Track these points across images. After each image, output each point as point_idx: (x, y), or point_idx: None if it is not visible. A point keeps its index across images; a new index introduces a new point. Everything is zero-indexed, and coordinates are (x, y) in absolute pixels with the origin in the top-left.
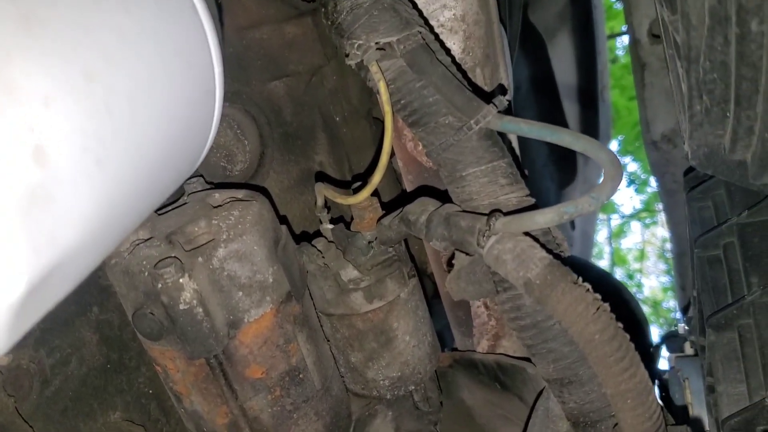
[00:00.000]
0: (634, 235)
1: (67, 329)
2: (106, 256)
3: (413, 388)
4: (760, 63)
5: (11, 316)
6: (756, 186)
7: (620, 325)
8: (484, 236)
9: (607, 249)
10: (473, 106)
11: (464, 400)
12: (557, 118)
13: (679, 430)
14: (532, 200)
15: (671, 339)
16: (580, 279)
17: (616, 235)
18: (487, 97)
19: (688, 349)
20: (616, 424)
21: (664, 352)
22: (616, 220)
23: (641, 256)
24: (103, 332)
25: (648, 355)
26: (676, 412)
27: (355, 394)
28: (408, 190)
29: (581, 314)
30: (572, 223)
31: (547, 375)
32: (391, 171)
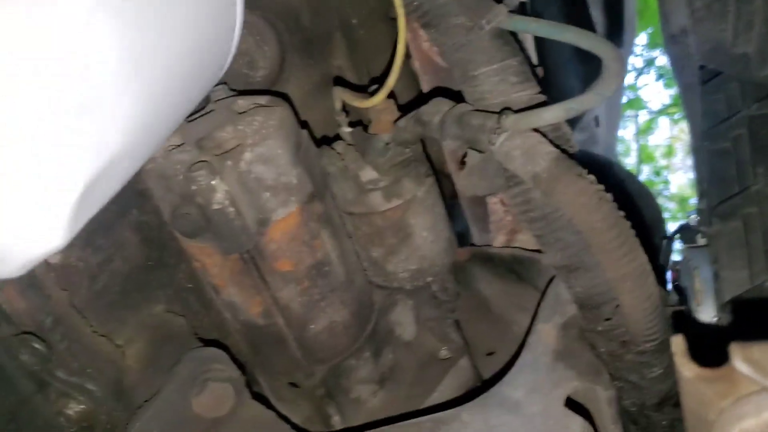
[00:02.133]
0: (661, 131)
1: (109, 231)
2: (148, 157)
3: (431, 279)
4: None
5: (72, 212)
6: (758, 78)
7: (621, 213)
8: (494, 133)
9: (634, 146)
10: (484, 6)
11: (482, 291)
12: (580, 11)
13: (678, 309)
14: (543, 97)
15: (684, 231)
16: (585, 171)
17: (644, 131)
18: None
19: (701, 241)
20: (618, 306)
21: (679, 244)
22: (643, 116)
23: (669, 152)
24: (143, 233)
25: (657, 248)
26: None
27: (377, 286)
28: (425, 90)
29: (584, 204)
30: (596, 120)
31: (556, 262)
32: (409, 72)
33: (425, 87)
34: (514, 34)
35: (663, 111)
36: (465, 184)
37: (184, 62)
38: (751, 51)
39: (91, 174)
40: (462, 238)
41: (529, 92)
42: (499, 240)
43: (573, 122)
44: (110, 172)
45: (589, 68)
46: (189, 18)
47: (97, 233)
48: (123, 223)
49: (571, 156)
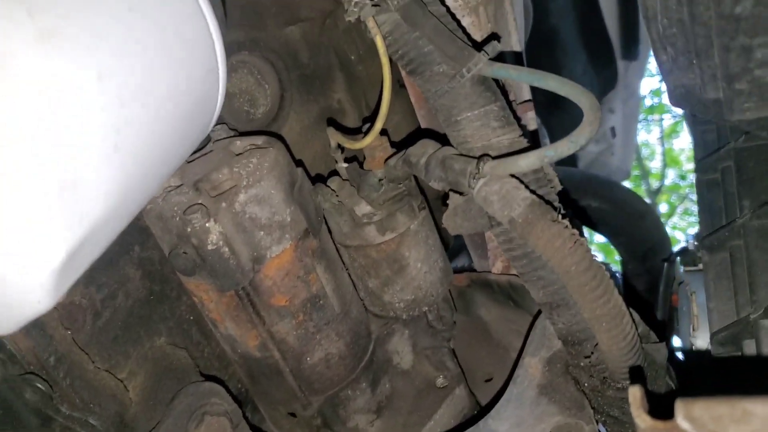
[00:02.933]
0: (686, 135)
1: (112, 267)
2: (129, 222)
3: (427, 308)
4: (711, 22)
5: (56, 278)
6: (731, 122)
7: (596, 256)
8: (474, 178)
9: (659, 149)
10: (464, 55)
11: (481, 316)
12: (594, 21)
13: (656, 347)
14: (524, 141)
15: (684, 254)
16: (560, 216)
17: (669, 135)
18: (480, 45)
19: (701, 264)
20: (596, 344)
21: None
22: (668, 120)
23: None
24: (145, 268)
25: (658, 271)
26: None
27: (374, 315)
28: (422, 125)
29: (559, 248)
30: (613, 131)
31: (539, 299)
32: (409, 106)
33: (422, 122)
34: (497, 80)
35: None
36: (449, 224)
37: (166, 131)
38: (721, 97)
39: (73, 243)
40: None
41: (510, 136)
42: (497, 266)
43: None
44: (92, 238)
45: (604, 80)
46: (169, 90)
47: (101, 271)
48: (125, 260)
49: (546, 200)
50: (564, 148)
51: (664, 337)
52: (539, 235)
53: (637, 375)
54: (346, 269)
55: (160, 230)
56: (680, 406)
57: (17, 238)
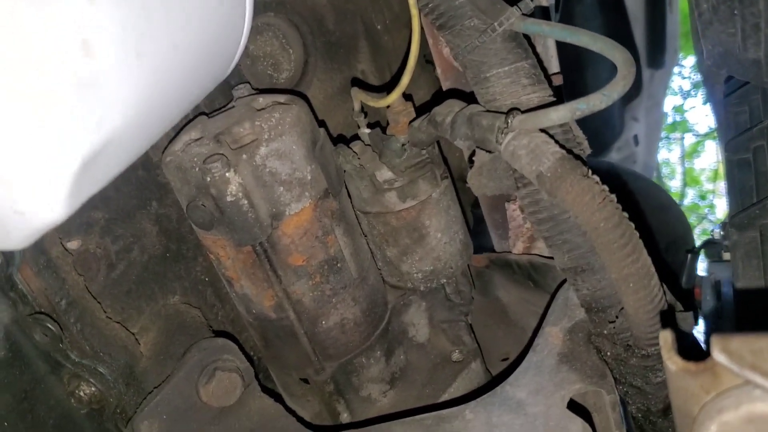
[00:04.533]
0: (708, 155)
1: (129, 220)
2: (150, 142)
3: (445, 281)
4: None
5: (70, 186)
6: None
7: (626, 214)
8: (502, 133)
9: (679, 168)
10: (497, 9)
11: (500, 297)
12: (622, 29)
13: (683, 316)
14: (553, 100)
15: (709, 246)
16: (590, 172)
17: (690, 154)
18: (512, 0)
19: (725, 256)
20: (622, 309)
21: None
22: (690, 139)
23: (715, 176)
24: (162, 225)
25: (683, 261)
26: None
27: (392, 286)
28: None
29: (588, 203)
30: (635, 139)
31: (563, 264)
32: (435, 82)
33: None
34: (528, 38)
35: (710, 134)
36: (474, 183)
37: (190, 49)
38: (761, 56)
39: (89, 150)
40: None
41: (540, 94)
42: (518, 247)
43: (610, 141)
44: (109, 150)
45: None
46: (195, 9)
47: (117, 222)
48: (143, 214)
49: (577, 157)
50: (596, 101)
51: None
52: (568, 190)
53: (668, 321)
54: (365, 236)
55: (180, 181)
56: (716, 341)
57: (32, 139)
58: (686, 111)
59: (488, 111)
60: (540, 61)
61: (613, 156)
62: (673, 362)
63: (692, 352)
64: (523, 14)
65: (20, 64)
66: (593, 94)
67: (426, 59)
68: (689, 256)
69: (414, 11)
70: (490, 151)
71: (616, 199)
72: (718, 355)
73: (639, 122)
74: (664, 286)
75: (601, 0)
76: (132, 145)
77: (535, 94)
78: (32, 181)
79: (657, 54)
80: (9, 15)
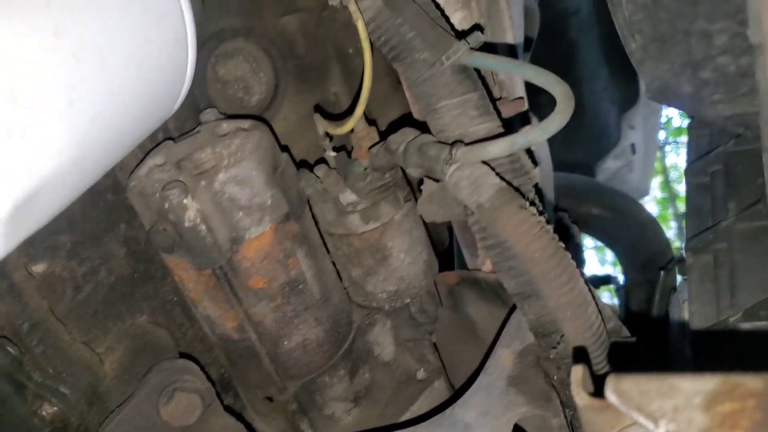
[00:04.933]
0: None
1: (97, 243)
2: (93, 180)
3: (409, 300)
4: (674, 5)
5: (2, 228)
6: (708, 117)
7: (561, 244)
8: (447, 164)
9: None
10: (445, 43)
11: (470, 314)
12: (617, 37)
13: (626, 342)
14: (501, 131)
15: (681, 263)
16: (527, 203)
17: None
18: (464, 35)
19: None
20: (563, 335)
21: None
22: None
23: None
24: (131, 246)
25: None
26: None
27: (357, 305)
28: (415, 116)
29: (524, 234)
30: (633, 148)
31: (511, 289)
32: (405, 101)
33: (416, 114)
34: (478, 71)
35: None
36: (424, 211)
37: (126, 95)
38: (694, 90)
39: (20, 196)
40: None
41: (487, 125)
42: (487, 265)
43: (607, 149)
44: (45, 192)
45: (625, 96)
46: (130, 55)
47: (85, 245)
48: (110, 237)
49: (517, 189)
50: (534, 134)
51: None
52: (505, 221)
53: (581, 356)
54: (330, 257)
55: (142, 207)
56: (610, 381)
57: None
58: None
59: (438, 141)
60: (490, 93)
61: (610, 165)
62: (580, 398)
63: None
64: (473, 48)
65: None
66: (532, 128)
67: (398, 80)
68: (662, 273)
69: (365, 44)
70: (438, 180)
71: (552, 230)
72: (609, 394)
73: (636, 130)
74: (608, 312)
75: (598, 11)
76: (71, 185)
77: (483, 125)
78: None
79: None
80: None
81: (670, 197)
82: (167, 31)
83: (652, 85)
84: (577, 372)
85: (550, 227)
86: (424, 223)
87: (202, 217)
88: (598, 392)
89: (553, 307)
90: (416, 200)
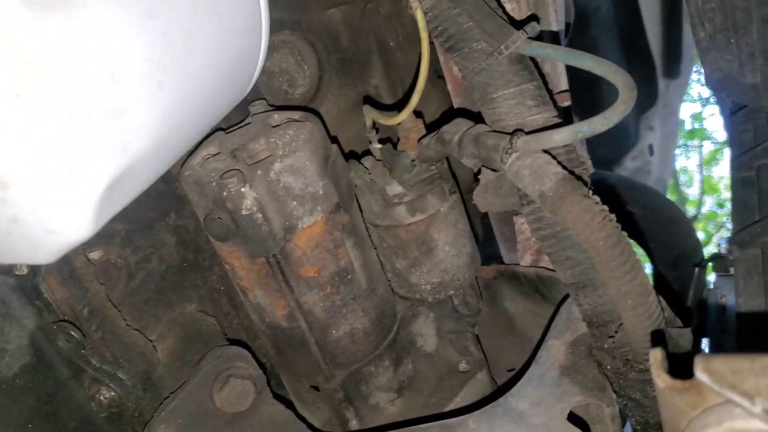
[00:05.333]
0: (726, 163)
1: (148, 232)
2: (171, 162)
3: (453, 293)
4: None
5: (97, 207)
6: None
7: (624, 233)
8: (506, 153)
9: (697, 177)
10: (503, 32)
11: (507, 309)
12: (637, 35)
13: (681, 332)
14: (559, 120)
15: (716, 259)
16: (591, 192)
17: (708, 162)
18: (519, 24)
19: (732, 270)
20: (621, 324)
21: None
22: (708, 147)
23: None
24: (180, 235)
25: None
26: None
27: (401, 297)
28: (456, 107)
29: (588, 223)
30: (650, 148)
31: (566, 279)
32: (446, 97)
33: (457, 105)
34: (535, 60)
35: (727, 143)
36: (480, 200)
37: (208, 77)
38: (758, 81)
39: (115, 173)
40: (494, 260)
41: (544, 115)
42: (526, 259)
43: (626, 149)
44: (134, 172)
45: (643, 97)
46: (213, 40)
47: (137, 233)
48: (161, 225)
49: (578, 178)
50: (597, 124)
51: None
52: (569, 209)
53: (659, 339)
54: (375, 249)
55: (197, 195)
56: (700, 361)
57: (62, 163)
58: (705, 118)
59: (494, 131)
60: (545, 83)
61: (628, 165)
62: (661, 380)
63: (686, 368)
64: (529, 37)
65: (53, 94)
66: (595, 117)
67: (437, 74)
68: (696, 270)
69: (423, 35)
70: (495, 170)
71: (615, 219)
72: (700, 374)
73: (654, 132)
74: (663, 303)
75: (617, 10)
76: (154, 166)
77: (540, 114)
78: (62, 202)
79: (673, 63)
80: (42, 48)
81: (679, 201)
82: (245, 17)
83: (713, 75)
84: (657, 354)
85: (613, 216)
86: (468, 215)
87: (259, 205)
88: (674, 373)
89: (614, 296)
90: (461, 192)
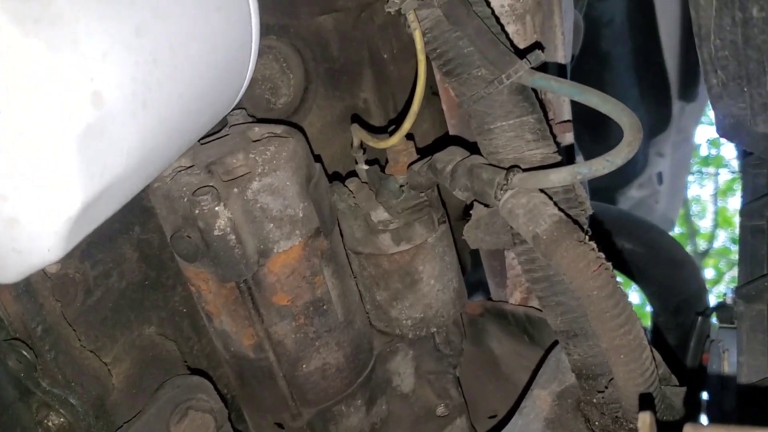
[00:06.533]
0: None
1: (110, 245)
2: (148, 182)
3: (435, 330)
4: (765, 46)
5: (69, 228)
6: None
7: (620, 282)
8: (501, 189)
9: (711, 207)
10: (505, 61)
11: (493, 349)
12: (652, 53)
13: (676, 391)
14: (558, 157)
15: (720, 309)
16: (587, 237)
17: (723, 192)
18: (523, 53)
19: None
20: (612, 379)
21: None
22: (724, 176)
23: None
24: (143, 251)
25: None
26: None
27: (379, 331)
28: (451, 134)
29: (582, 270)
30: (659, 177)
31: (556, 327)
32: (440, 115)
33: (452, 130)
34: (536, 90)
35: None
36: (470, 237)
37: (194, 96)
38: None
39: (91, 195)
40: (482, 286)
41: (543, 151)
42: (515, 297)
43: (631, 176)
44: (110, 193)
45: (656, 120)
46: (201, 57)
47: (98, 246)
48: (124, 239)
49: (575, 221)
50: (599, 166)
51: (687, 383)
52: (563, 255)
53: (647, 403)
54: (355, 278)
55: (166, 210)
56: (688, 429)
57: (38, 181)
58: (722, 144)
59: (490, 164)
60: (545, 113)
61: (633, 194)
62: None
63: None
64: (532, 67)
65: (33, 111)
66: (596, 159)
67: (432, 91)
68: (699, 319)
69: (421, 56)
70: (488, 205)
71: (611, 267)
72: None
73: (665, 158)
74: (658, 358)
75: (631, 23)
76: (131, 186)
77: (539, 150)
78: (35, 222)
79: (689, 86)
80: (28, 64)
81: (690, 233)
82: (235, 33)
83: (725, 121)
84: (645, 419)
85: (609, 264)
86: (456, 246)
87: (233, 226)
88: None
89: (606, 349)
90: (449, 222)
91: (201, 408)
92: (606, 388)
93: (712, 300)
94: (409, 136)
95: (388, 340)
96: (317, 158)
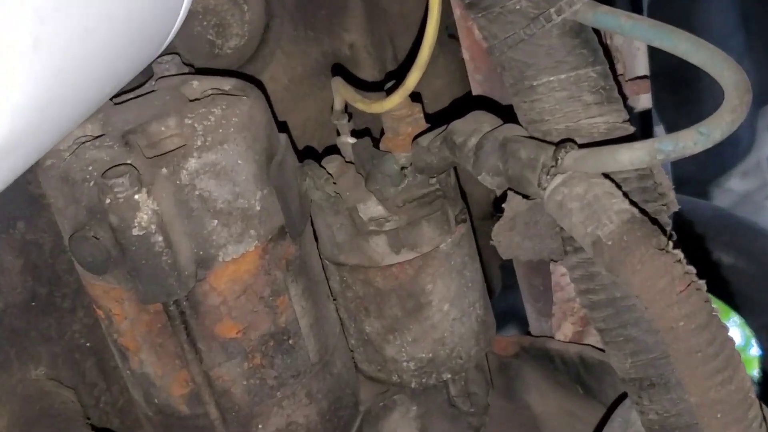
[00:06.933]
0: None
1: None
2: (39, 157)
3: (450, 377)
4: None
5: None
6: None
7: (716, 311)
8: (548, 174)
9: None
10: None
11: (531, 405)
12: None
13: None
14: (630, 129)
15: None
16: (671, 243)
17: None
18: None
19: None
20: None
21: None
22: None
23: None
24: (30, 257)
25: None
26: None
27: (368, 377)
28: (475, 93)
29: (663, 291)
30: None
31: (624, 372)
32: (458, 67)
33: (476, 89)
34: (598, 33)
35: None
36: (502, 242)
37: (108, 27)
38: None
39: None
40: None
41: (610, 118)
42: (564, 329)
43: (732, 160)
44: None
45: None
46: None
47: None
48: (3, 241)
49: (654, 220)
50: (688, 141)
51: None
52: (636, 268)
53: None
54: (335, 300)
55: (63, 198)
56: None
57: None
58: None
59: (531, 137)
60: (613, 67)
61: (736, 185)
62: None
63: None
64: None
65: None
66: (685, 131)
67: (448, 33)
68: None
69: None
70: (528, 197)
71: (705, 288)
72: None
73: None
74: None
75: None
76: (18, 160)
77: (602, 117)
78: None
79: None
80: None
81: None
82: None
83: None
84: None
85: (702, 283)
86: (481, 260)
87: (160, 223)
88: None
89: (696, 405)
90: (472, 221)
91: None
92: None
93: None
94: (415, 97)
95: (381, 391)
96: (282, 127)
